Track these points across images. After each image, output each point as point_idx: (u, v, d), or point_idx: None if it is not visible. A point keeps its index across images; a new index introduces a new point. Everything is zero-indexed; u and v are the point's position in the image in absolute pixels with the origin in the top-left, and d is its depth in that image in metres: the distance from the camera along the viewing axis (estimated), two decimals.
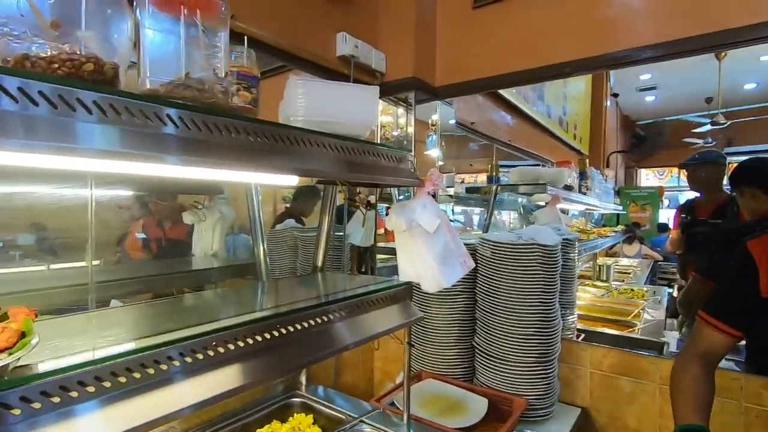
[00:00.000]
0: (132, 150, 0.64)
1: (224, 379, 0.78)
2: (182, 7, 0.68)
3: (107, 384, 0.61)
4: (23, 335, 0.59)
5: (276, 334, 0.87)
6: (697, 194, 2.76)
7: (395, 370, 2.01)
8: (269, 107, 1.04)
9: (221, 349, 0.77)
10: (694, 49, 1.55)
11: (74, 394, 0.58)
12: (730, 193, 2.61)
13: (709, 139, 5.42)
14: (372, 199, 1.91)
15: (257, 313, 0.92)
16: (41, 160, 0.59)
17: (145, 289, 1.59)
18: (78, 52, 0.58)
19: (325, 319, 0.99)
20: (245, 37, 0.92)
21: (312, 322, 0.96)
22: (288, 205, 2.22)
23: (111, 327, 0.91)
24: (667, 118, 6.45)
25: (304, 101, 0.95)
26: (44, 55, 0.56)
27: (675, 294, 2.77)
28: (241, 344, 0.80)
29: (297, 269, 1.95)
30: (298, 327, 0.92)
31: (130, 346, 0.69)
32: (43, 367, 0.59)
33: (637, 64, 1.69)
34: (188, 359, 0.72)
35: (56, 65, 0.57)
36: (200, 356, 0.74)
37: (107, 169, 0.64)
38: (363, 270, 2.25)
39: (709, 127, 5.24)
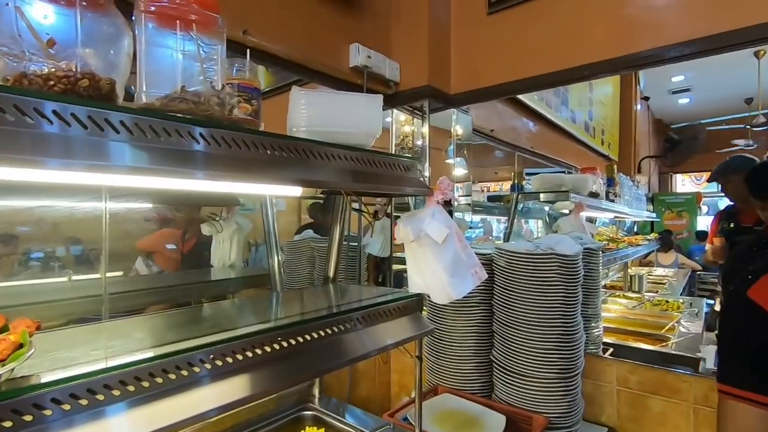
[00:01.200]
0: (126, 163, 0.65)
1: (229, 389, 0.78)
2: (178, 22, 0.69)
3: (100, 396, 0.62)
4: (20, 347, 0.60)
5: (276, 347, 0.86)
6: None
7: (412, 383, 1.96)
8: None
9: (220, 362, 0.77)
10: (728, 46, 1.46)
11: (66, 406, 0.59)
12: None
13: (751, 142, 5.13)
14: (378, 208, 1.90)
15: (258, 326, 0.92)
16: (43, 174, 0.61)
17: (164, 300, 1.63)
18: (74, 69, 0.60)
19: (330, 331, 0.98)
20: (248, 50, 0.93)
21: (315, 335, 0.94)
22: (308, 216, 2.24)
23: (120, 337, 0.92)
24: (703, 121, 6.16)
25: (306, 111, 0.95)
26: (41, 73, 0.58)
27: (717, 307, 2.59)
28: (240, 357, 0.80)
29: (314, 280, 1.95)
30: (301, 339, 0.91)
31: (134, 357, 0.70)
32: (37, 379, 0.60)
33: (665, 63, 1.61)
34: (195, 369, 0.73)
35: (52, 82, 0.58)
36: (205, 367, 0.74)
37: (100, 181, 0.65)
38: (380, 280, 2.23)
39: (748, 128, 4.96)
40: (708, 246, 2.76)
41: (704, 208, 6.17)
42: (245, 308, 1.29)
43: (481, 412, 1.48)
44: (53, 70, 0.58)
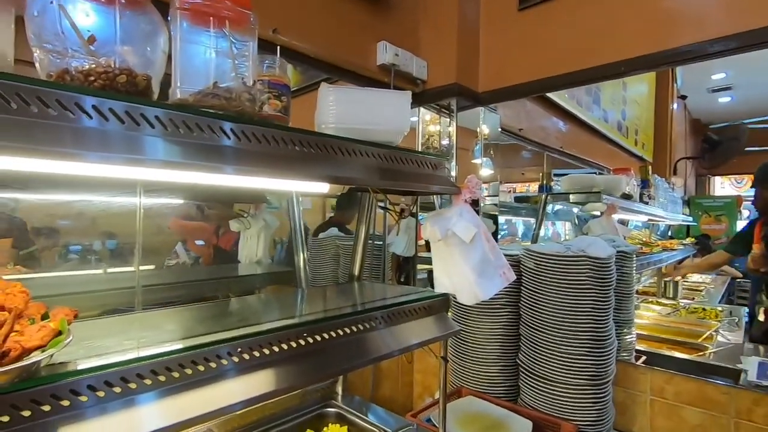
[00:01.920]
0: (161, 158, 0.66)
1: (255, 383, 0.79)
2: (212, 19, 0.70)
3: (133, 385, 0.64)
4: (59, 334, 0.62)
5: (302, 343, 0.86)
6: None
7: (435, 385, 1.94)
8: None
9: (246, 355, 0.78)
10: None
11: (101, 393, 0.60)
12: None
13: None
14: (404, 207, 1.88)
15: (284, 321, 0.92)
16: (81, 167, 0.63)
17: (194, 293, 1.67)
18: (112, 66, 0.61)
19: (354, 329, 0.97)
20: (278, 47, 0.94)
21: (340, 332, 0.94)
22: (332, 214, 2.25)
23: (151, 328, 0.94)
24: (746, 121, 5.85)
25: (335, 108, 0.95)
26: (82, 69, 0.60)
27: (762, 318, 2.44)
28: (266, 351, 0.80)
29: (339, 278, 1.96)
30: (326, 336, 0.91)
31: (165, 348, 0.72)
32: (74, 366, 0.62)
33: (706, 59, 1.54)
34: (223, 362, 0.74)
35: (92, 78, 0.60)
36: (232, 360, 0.75)
37: (136, 175, 0.67)
38: (403, 279, 2.21)
39: None
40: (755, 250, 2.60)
41: (745, 212, 5.87)
42: (271, 304, 1.30)
43: (506, 417, 1.45)
44: (93, 66, 0.60)
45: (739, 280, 4.45)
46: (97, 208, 1.25)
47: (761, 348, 1.97)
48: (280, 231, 1.90)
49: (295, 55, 1.56)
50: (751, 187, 2.33)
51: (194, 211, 1.68)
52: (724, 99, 5.70)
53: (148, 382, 0.65)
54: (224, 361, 0.74)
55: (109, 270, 1.32)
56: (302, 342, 0.86)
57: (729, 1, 1.46)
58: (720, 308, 2.97)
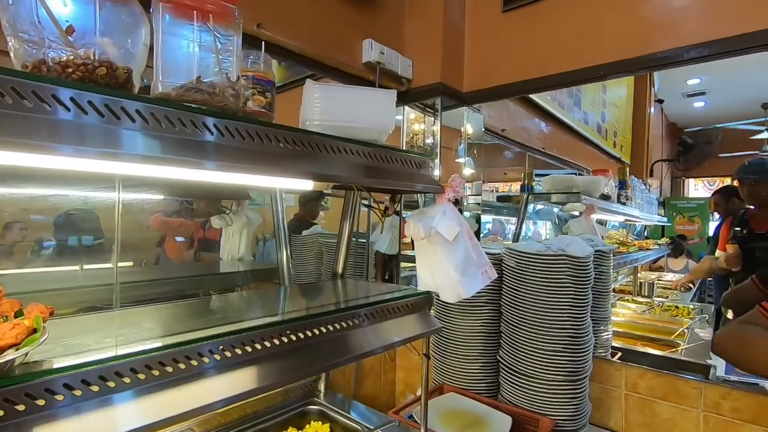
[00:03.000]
0: (141, 152, 0.65)
1: (237, 380, 0.78)
2: (195, 12, 0.69)
3: (111, 384, 0.62)
4: (34, 332, 0.61)
5: (284, 340, 0.86)
6: (750, 206, 2.54)
7: (417, 382, 1.96)
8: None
9: (228, 353, 0.77)
10: (747, 48, 1.43)
11: (78, 392, 0.59)
12: None
13: (766, 147, 5.04)
14: (388, 205, 1.89)
15: (266, 319, 0.92)
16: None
17: (174, 290, 1.64)
18: (92, 57, 0.60)
19: (337, 326, 0.98)
20: (263, 42, 0.93)
21: (323, 330, 0.94)
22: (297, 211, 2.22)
23: (130, 326, 0.93)
24: (718, 125, 6.06)
25: (319, 105, 0.95)
26: (59, 60, 0.58)
27: (730, 316, 2.53)
28: (249, 349, 0.80)
29: (322, 275, 1.96)
30: (308, 334, 0.91)
31: (144, 346, 0.71)
32: (50, 364, 0.61)
33: (682, 65, 1.59)
34: (204, 360, 0.73)
35: (71, 69, 0.59)
36: (214, 358, 0.74)
37: (115, 169, 0.66)
38: (387, 277, 2.22)
39: (765, 134, 4.87)
40: (718, 252, 2.70)
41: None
42: (253, 301, 1.29)
43: (487, 413, 1.47)
44: (72, 57, 0.59)
45: (710, 279, 4.61)
46: (74, 203, 1.21)
47: None
48: (264, 228, 1.88)
49: (280, 50, 1.55)
50: (738, 179, 2.43)
51: (175, 207, 1.65)
52: (698, 104, 5.88)
53: (126, 380, 0.64)
54: (205, 359, 0.73)
55: (86, 266, 1.29)
56: (284, 339, 0.86)
57: (704, 10, 1.51)
58: (692, 306, 3.07)
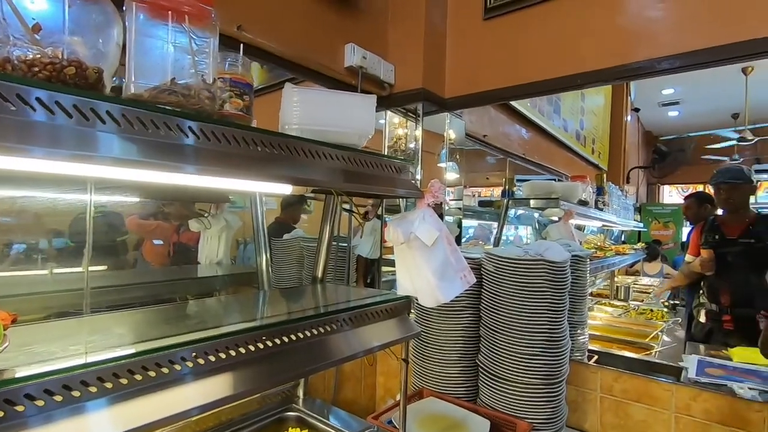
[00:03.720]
0: (112, 155, 0.64)
1: (211, 388, 0.77)
2: (170, 13, 0.68)
3: (76, 393, 0.60)
4: None
5: (261, 346, 0.84)
6: (719, 212, 2.63)
7: (398, 386, 1.95)
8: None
9: (202, 360, 0.75)
10: (718, 60, 1.49)
11: (40, 402, 0.57)
12: (757, 211, 2.49)
13: (736, 156, 5.24)
14: (369, 209, 1.90)
15: (243, 324, 0.90)
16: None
17: (149, 296, 1.60)
18: (60, 57, 0.58)
19: (316, 331, 0.97)
20: (241, 45, 0.92)
21: (301, 335, 0.93)
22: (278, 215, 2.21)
23: (100, 332, 0.90)
24: (691, 134, 6.27)
25: (298, 109, 0.94)
26: (25, 59, 0.56)
27: (703, 319, 2.60)
28: (223, 355, 0.78)
29: (303, 279, 1.94)
30: (286, 339, 0.90)
31: (113, 353, 0.69)
32: (10, 374, 0.58)
33: (656, 75, 1.63)
34: (176, 367, 0.71)
35: (37, 68, 0.57)
36: (186, 365, 0.72)
37: (85, 172, 0.64)
38: (369, 282, 2.22)
39: (734, 142, 5.06)
40: (689, 257, 2.78)
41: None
42: (231, 306, 1.27)
43: (466, 417, 1.48)
44: (38, 56, 0.57)
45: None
46: (42, 205, 1.17)
47: (701, 347, 2.11)
48: (244, 231, 1.86)
49: (261, 53, 1.54)
50: (714, 185, 2.50)
51: (152, 210, 1.62)
52: (672, 113, 6.08)
53: (93, 389, 0.62)
54: (177, 366, 0.72)
55: (56, 271, 1.25)
56: (260, 345, 0.85)
57: (677, 23, 1.56)
58: (666, 309, 3.16)
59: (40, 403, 0.57)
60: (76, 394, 0.60)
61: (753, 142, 4.97)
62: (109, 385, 0.63)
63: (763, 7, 1.40)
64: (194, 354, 0.74)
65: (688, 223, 5.89)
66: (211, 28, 0.73)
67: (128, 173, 0.69)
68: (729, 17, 1.45)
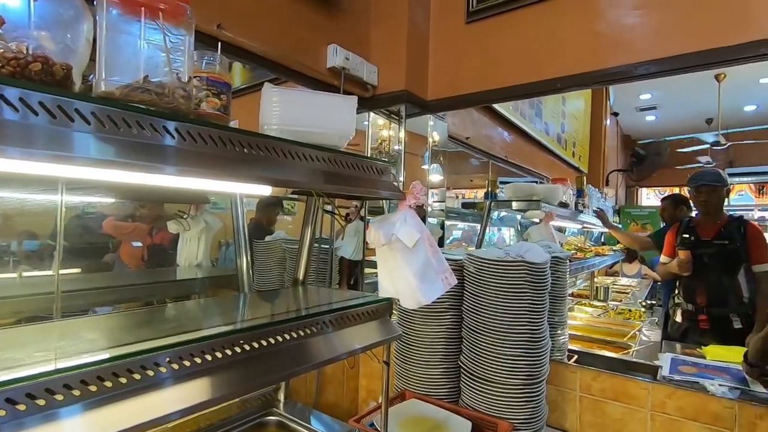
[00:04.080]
0: (81, 154, 0.62)
1: (186, 393, 0.75)
2: (144, 9, 0.66)
3: (41, 401, 0.58)
4: None
5: (239, 350, 0.83)
6: (693, 214, 2.71)
7: (380, 389, 1.94)
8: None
9: (176, 365, 0.74)
10: (691, 66, 1.53)
11: (1, 412, 0.55)
12: (729, 214, 2.57)
13: (710, 160, 5.40)
14: (351, 211, 1.89)
15: (222, 327, 0.89)
16: None
17: (127, 299, 1.56)
18: (24, 52, 0.56)
19: (297, 334, 0.95)
20: (219, 43, 0.90)
21: (281, 338, 0.92)
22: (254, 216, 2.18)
23: (70, 338, 0.87)
24: (668, 138, 6.45)
25: (278, 109, 0.93)
26: None
27: (679, 318, 2.67)
28: (198, 360, 0.76)
29: (285, 282, 1.92)
30: (265, 342, 0.89)
31: (82, 359, 0.66)
32: None
33: (633, 80, 1.68)
34: (149, 372, 0.69)
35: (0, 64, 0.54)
36: (160, 370, 0.70)
37: (53, 172, 0.62)
38: (352, 284, 2.21)
39: (707, 146, 5.22)
40: (664, 258, 2.84)
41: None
42: (210, 309, 1.25)
43: (447, 418, 1.48)
44: (1, 51, 0.55)
45: (659, 283, 4.87)
46: (9, 206, 1.13)
47: (677, 346, 2.16)
48: (225, 233, 1.83)
49: (242, 52, 1.52)
50: (695, 187, 2.57)
51: (129, 211, 1.58)
52: (650, 117, 6.24)
53: (59, 397, 0.59)
54: (150, 372, 0.70)
55: (26, 274, 1.20)
56: (239, 349, 0.83)
57: (652, 30, 1.60)
58: (643, 309, 3.23)
59: (1, 413, 0.55)
60: (41, 402, 0.58)
61: (726, 146, 5.14)
62: (77, 392, 0.61)
63: (731, 16, 1.44)
64: (168, 359, 0.72)
65: (663, 224, 6.07)
66: (186, 26, 0.72)
67: (99, 173, 0.67)
68: (700, 26, 1.50)
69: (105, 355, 0.67)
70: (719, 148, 5.17)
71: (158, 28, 0.68)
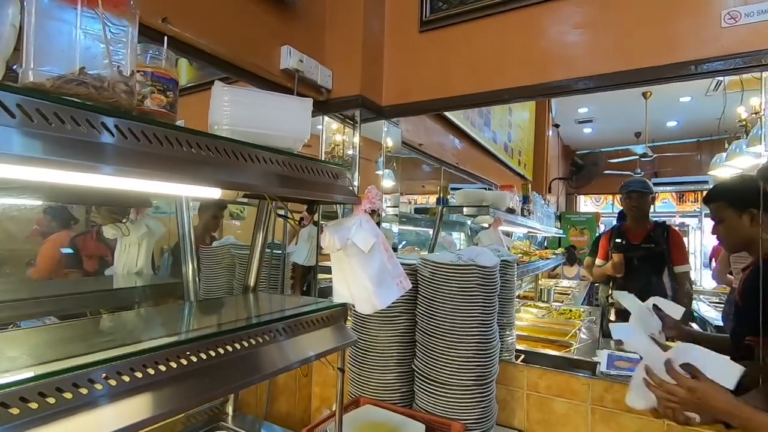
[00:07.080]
0: (7, 151, 0.56)
1: (128, 410, 0.69)
2: None
3: None
4: None
5: (184, 362, 0.78)
6: (623, 220, 2.94)
7: (334, 396, 1.91)
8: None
9: (114, 381, 0.68)
10: (622, 84, 1.66)
11: None
12: (654, 220, 2.82)
13: (638, 170, 5.89)
14: (304, 215, 1.86)
15: (163, 339, 0.83)
16: None
17: (54, 311, 1.43)
18: None
19: (247, 344, 0.91)
20: (165, 38, 0.85)
21: (230, 348, 0.88)
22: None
23: None
24: (603, 150, 6.96)
25: (229, 109, 0.90)
26: None
27: (613, 318, 2.88)
28: (139, 374, 0.71)
29: (234, 289, 1.84)
30: (213, 353, 0.84)
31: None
32: None
33: (573, 93, 1.79)
34: (82, 391, 0.63)
35: None
36: (95, 387, 0.64)
37: None
38: (305, 289, 2.16)
39: (637, 157, 5.69)
40: (599, 261, 3.06)
41: (602, 227, 6.93)
42: (151, 319, 1.17)
43: (402, 422, 1.49)
44: None
45: (597, 284, 5.22)
46: None
47: (612, 342, 2.31)
48: (169, 238, 1.73)
49: (190, 49, 1.45)
50: (630, 191, 2.78)
51: (60, 215, 1.45)
52: (587, 129, 6.71)
53: None
54: (83, 390, 0.64)
55: None
56: (184, 361, 0.78)
57: (590, 48, 1.72)
58: (583, 309, 3.43)
59: None
60: None
61: (652, 158, 5.63)
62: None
63: (660, 38, 1.59)
64: (105, 375, 0.67)
65: (602, 228, 6.51)
66: (129, 16, 0.67)
67: (24, 172, 0.61)
68: (633, 46, 1.63)
69: (29, 374, 0.61)
70: (646, 159, 5.65)
71: (97, 16, 0.63)
